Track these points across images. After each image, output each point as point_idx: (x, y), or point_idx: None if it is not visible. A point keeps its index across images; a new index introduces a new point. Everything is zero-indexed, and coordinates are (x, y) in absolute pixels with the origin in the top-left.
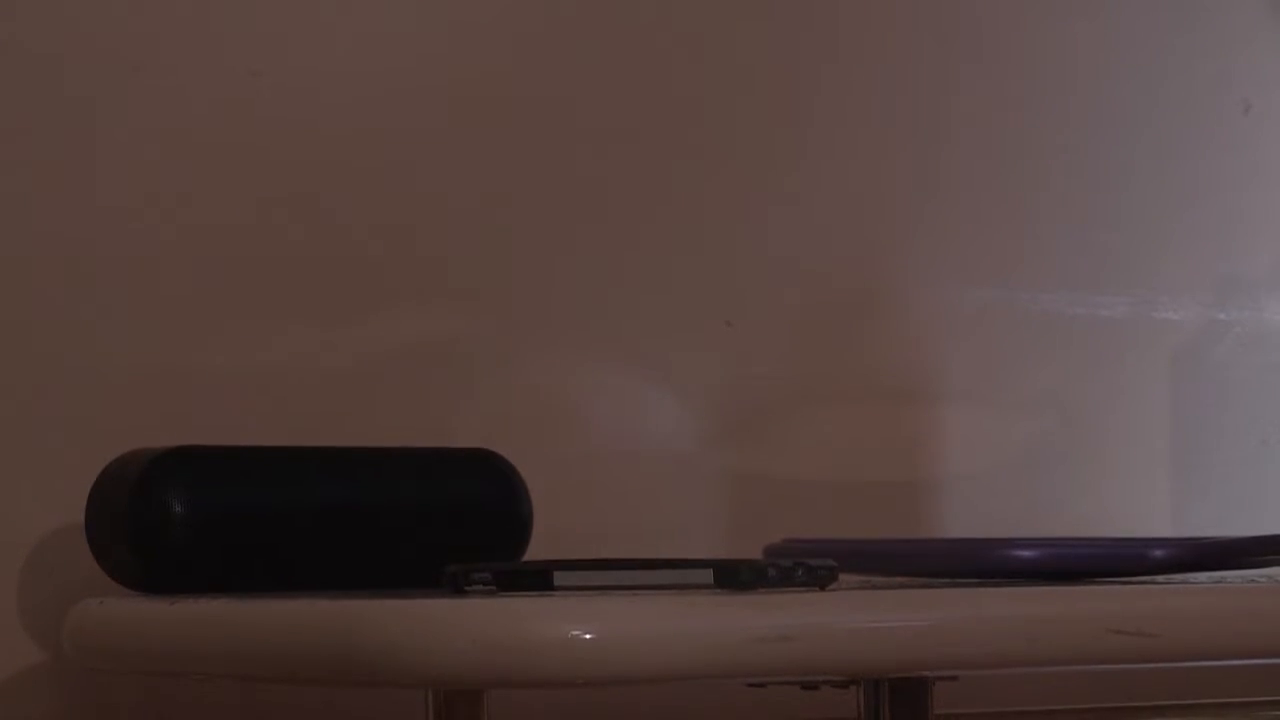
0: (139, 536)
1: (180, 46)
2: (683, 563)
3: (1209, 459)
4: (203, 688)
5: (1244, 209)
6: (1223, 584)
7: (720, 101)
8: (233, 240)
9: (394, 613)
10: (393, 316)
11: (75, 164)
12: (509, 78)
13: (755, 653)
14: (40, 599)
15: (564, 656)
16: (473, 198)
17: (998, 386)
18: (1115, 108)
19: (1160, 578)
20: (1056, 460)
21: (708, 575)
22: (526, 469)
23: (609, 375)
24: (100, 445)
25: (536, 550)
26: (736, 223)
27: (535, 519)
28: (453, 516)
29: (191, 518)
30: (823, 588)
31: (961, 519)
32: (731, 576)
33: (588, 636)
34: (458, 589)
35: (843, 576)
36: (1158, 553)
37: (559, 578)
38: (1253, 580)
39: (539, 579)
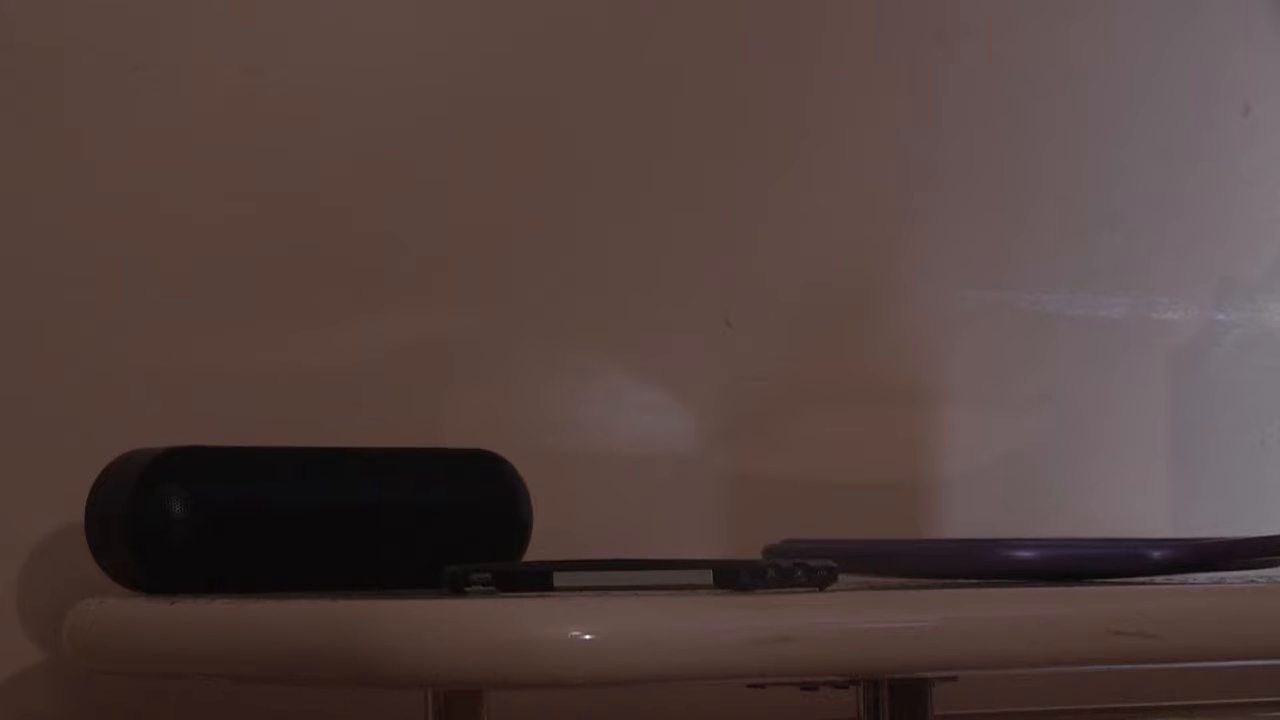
0: (138, 537)
1: (179, 46)
2: (682, 563)
3: (1208, 459)
4: (202, 688)
5: (1243, 210)
6: (1222, 584)
7: (720, 102)
8: (232, 240)
9: (394, 613)
10: (393, 317)
11: (75, 164)
12: (508, 77)
13: (755, 653)
14: (40, 599)
15: (564, 657)
16: (472, 197)
17: (997, 387)
18: (1115, 108)
19: (1160, 578)
20: (1056, 461)
21: (707, 576)
22: (526, 470)
23: (608, 376)
24: (100, 445)
25: (536, 551)
26: (735, 224)
27: (535, 520)
28: (453, 517)
29: (191, 518)
30: (822, 588)
31: (961, 520)
32: (731, 577)
33: (587, 637)
34: (457, 590)
35: (842, 577)
36: (1157, 553)
37: (559, 578)
38: (1252, 581)
39: (539, 580)
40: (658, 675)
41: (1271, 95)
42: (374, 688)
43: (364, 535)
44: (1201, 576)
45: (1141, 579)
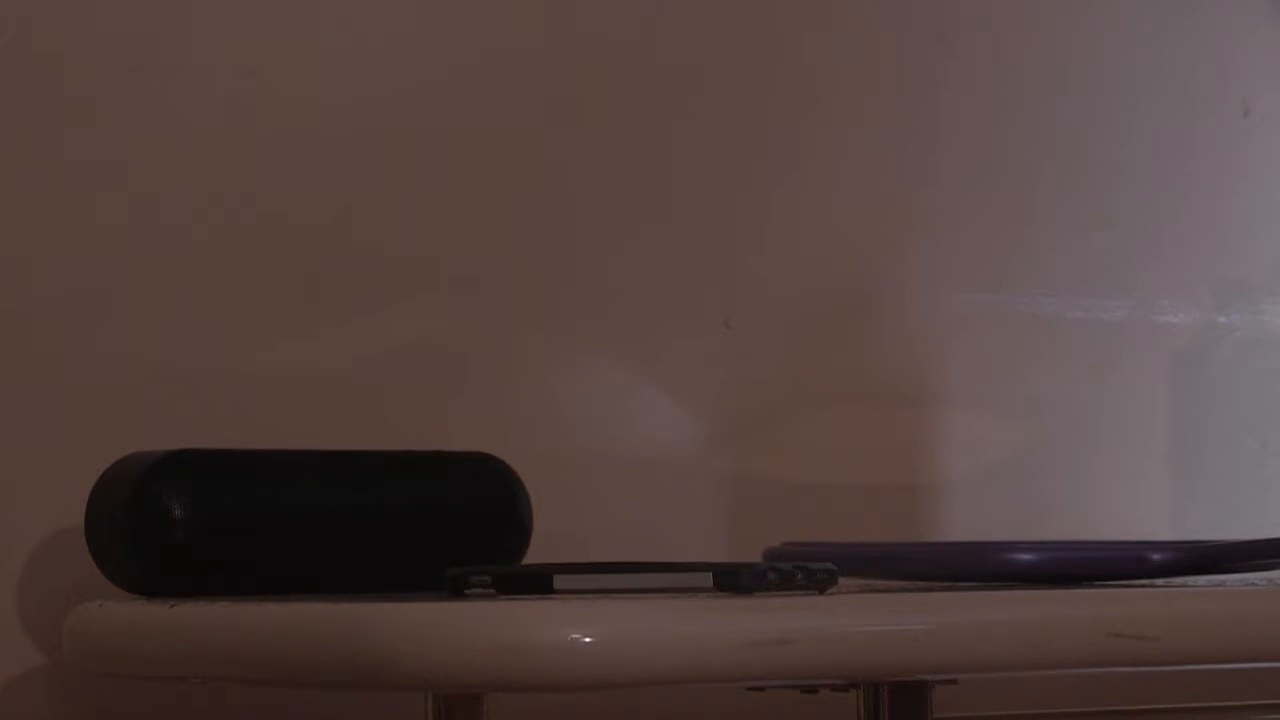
0: (139, 539)
1: (178, 47)
2: (682, 566)
3: (1208, 462)
4: (202, 691)
5: (1243, 212)
6: (1222, 587)
7: (720, 103)
8: (232, 241)
9: (394, 616)
10: (393, 319)
11: (75, 164)
12: (508, 78)
13: (754, 656)
14: (40, 602)
15: (564, 660)
16: (472, 199)
17: (997, 390)
18: (1114, 109)
19: (1159, 581)
20: (1056, 463)
21: (707, 579)
22: (526, 472)
23: (608, 378)
24: (100, 448)
25: (536, 554)
26: (736, 225)
27: (535, 522)
28: (452, 520)
29: (191, 521)
30: (822, 591)
31: (960, 522)
32: (731, 580)
33: (587, 640)
34: (457, 592)
35: (842, 580)
36: (1157, 556)
37: (559, 581)
38: (1252, 584)
39: (539, 582)
40: (658, 678)
41: (1271, 96)
42: (374, 691)
43: (364, 538)
44: (1202, 579)
45: (1141, 582)
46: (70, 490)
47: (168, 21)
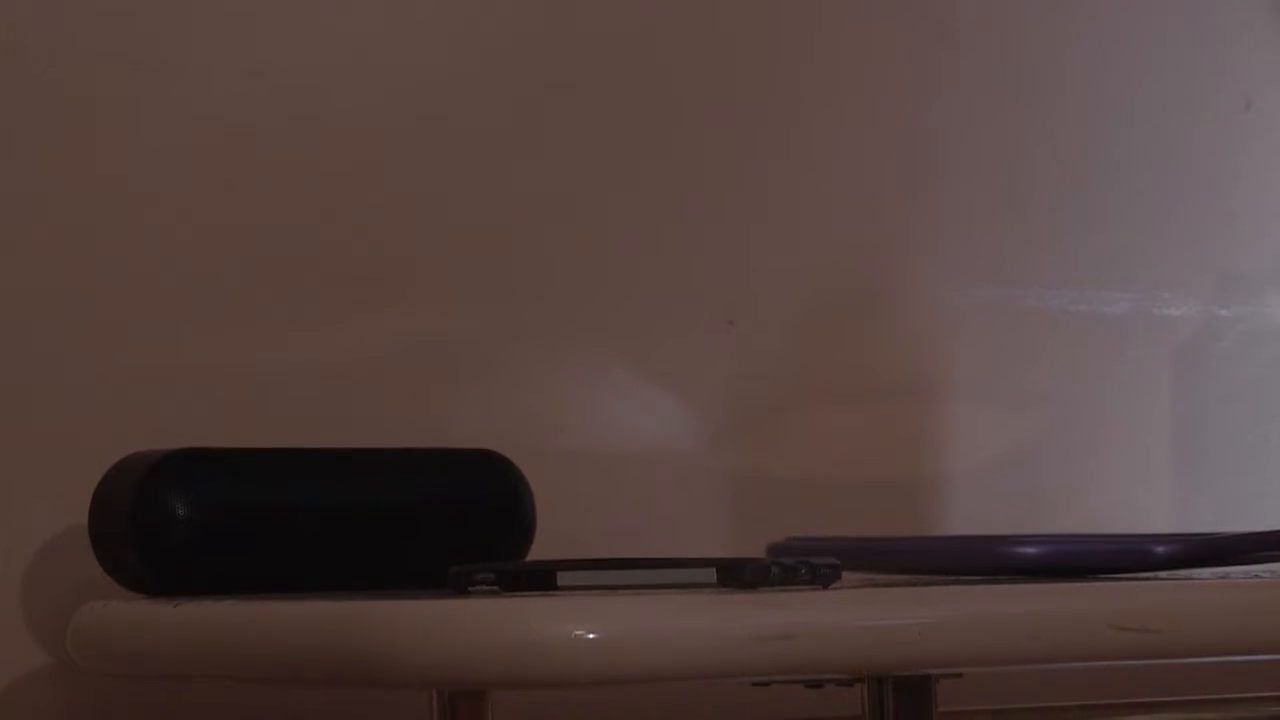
0: (142, 539)
1: (180, 47)
2: (686, 562)
3: (1211, 455)
4: (206, 689)
5: (1245, 205)
6: (1225, 580)
7: (720, 99)
8: (233, 241)
9: (398, 613)
10: (395, 317)
11: (75, 164)
12: (509, 76)
13: (759, 651)
14: (44, 602)
15: (568, 656)
16: (474, 197)
17: (1000, 384)
18: (1116, 104)
19: (1163, 574)
20: (1059, 457)
21: (711, 574)
22: (529, 469)
23: (611, 375)
24: (103, 448)
25: (539, 551)
26: (737, 222)
27: (538, 519)
28: (456, 517)
29: (194, 520)
30: (826, 586)
31: (964, 516)
32: (735, 575)
33: (591, 636)
34: (461, 589)
35: (846, 574)
36: (1160, 549)
37: (562, 578)
38: (1255, 576)
39: (542, 579)
40: (662, 674)
41: (1272, 90)
42: (378, 688)
43: (367, 535)
44: (1205, 572)
45: (1145, 574)
46: (73, 490)
47: (169, 21)
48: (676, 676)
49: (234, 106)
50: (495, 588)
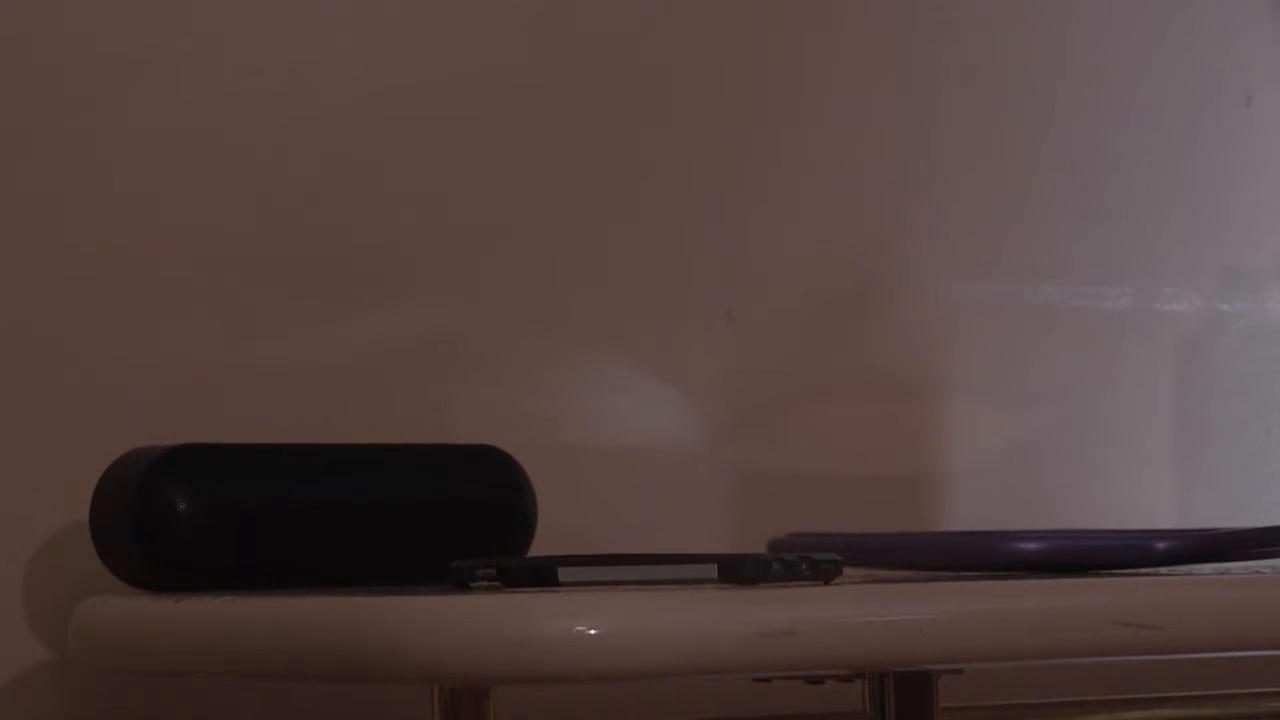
0: (143, 535)
1: (181, 45)
2: (687, 558)
3: (1212, 450)
4: (208, 685)
5: (1246, 200)
6: (1227, 575)
7: (720, 94)
8: (234, 238)
9: (399, 609)
10: (395, 313)
11: (75, 164)
12: (510, 73)
13: (760, 647)
14: (45, 598)
15: (569, 652)
16: (473, 193)
17: (1001, 379)
18: (1117, 99)
19: (1164, 569)
20: (1060, 452)
21: (712, 570)
22: (529, 465)
23: (611, 370)
24: (104, 444)
25: (540, 546)
26: (736, 217)
27: (539, 515)
28: (457, 513)
29: (195, 516)
30: (827, 582)
31: (965, 512)
32: (736, 571)
33: (592, 632)
34: (462, 585)
35: (847, 570)
36: (1161, 545)
37: (563, 573)
38: (1257, 571)
39: (543, 575)
40: (663, 670)
41: (1273, 85)
42: (379, 684)
43: (368, 531)
44: (1206, 567)
45: (1146, 570)
46: (74, 486)
47: (170, 20)
48: (677, 672)
49: (234, 106)
50: (497, 583)
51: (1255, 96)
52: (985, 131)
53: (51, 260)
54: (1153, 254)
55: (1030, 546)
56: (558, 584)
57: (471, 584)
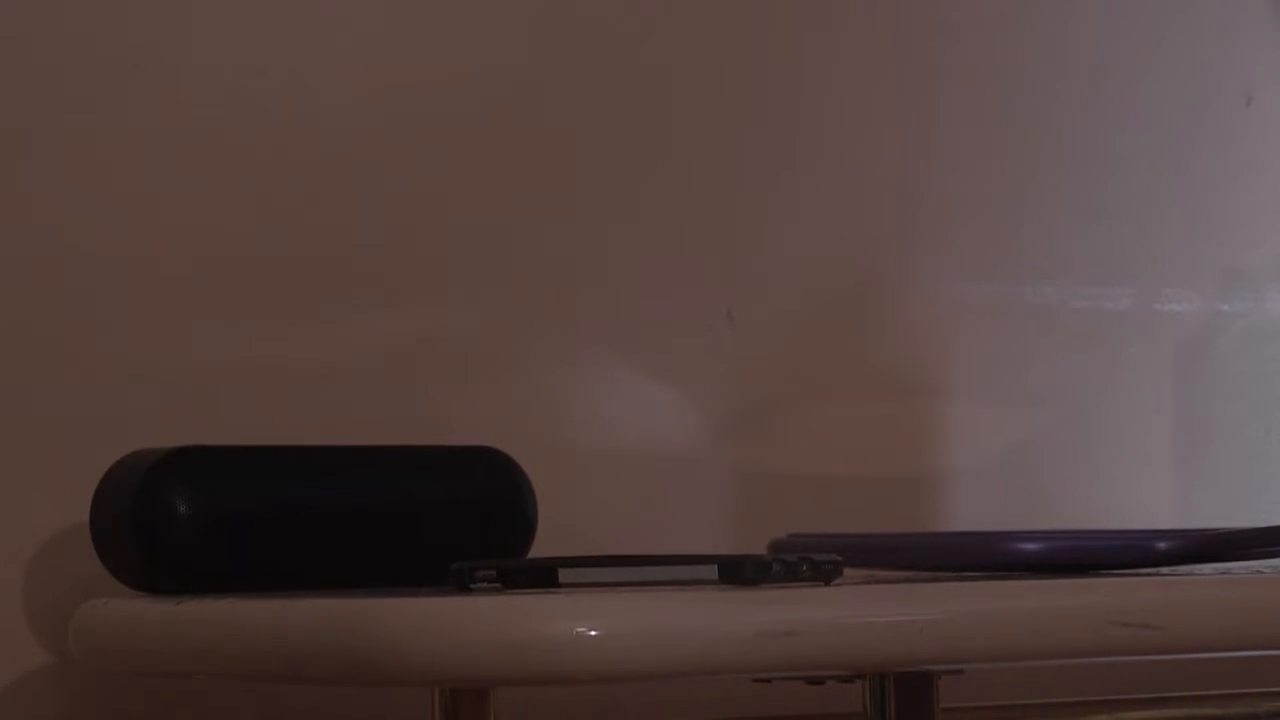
0: (143, 537)
1: (181, 45)
2: (687, 558)
3: (1213, 450)
4: (208, 687)
5: (1246, 200)
6: (1227, 576)
7: (720, 95)
8: (234, 239)
9: (399, 611)
10: (395, 315)
11: (75, 164)
12: (510, 74)
13: (760, 648)
14: (45, 600)
15: (570, 653)
16: (473, 194)
17: (1001, 380)
18: (1117, 99)
19: (1165, 570)
20: (1060, 453)
21: (712, 571)
22: (530, 466)
23: (611, 371)
24: (104, 446)
25: (541, 548)
26: (737, 217)
27: (539, 516)
28: (457, 514)
29: (195, 518)
30: (827, 582)
31: (965, 512)
32: (736, 572)
33: (593, 633)
34: (463, 587)
35: (847, 571)
36: (1162, 545)
37: (564, 574)
38: (1258, 571)
39: (544, 576)
40: (663, 670)
41: (1273, 85)
42: (380, 686)
43: (369, 533)
44: (1207, 567)
45: (1147, 570)
46: (74, 488)
47: (170, 19)
48: (678, 673)
49: (234, 106)
50: (497, 585)
51: (1255, 97)
52: (985, 132)
53: (51, 260)
54: (1153, 254)
55: (1030, 547)
56: (558, 585)
57: (472, 585)
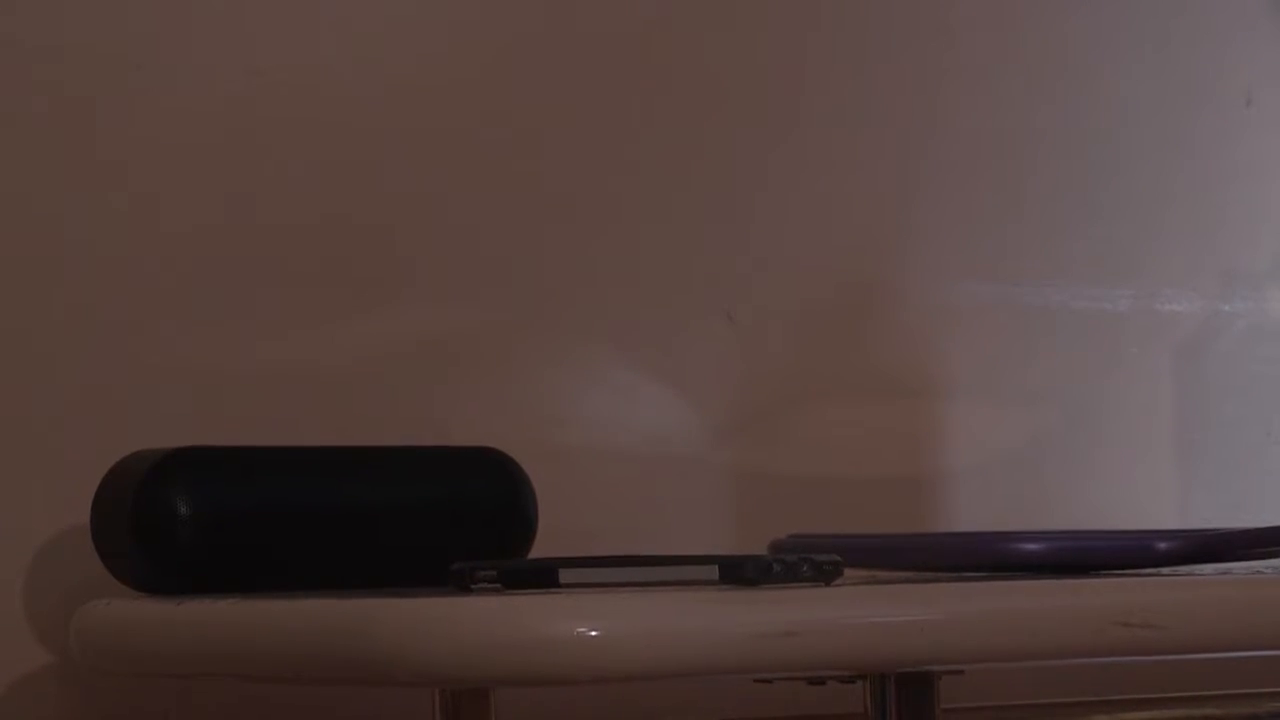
0: (144, 537)
1: (181, 46)
2: (688, 559)
3: (1213, 451)
4: (209, 688)
5: (1246, 201)
6: (1228, 576)
7: (719, 96)
8: (234, 239)
9: (400, 612)
10: (395, 315)
11: (75, 164)
12: (508, 75)
13: (761, 648)
14: (46, 601)
15: (570, 654)
16: (473, 195)
17: (1001, 380)
18: (1117, 100)
19: (1166, 570)
20: (1061, 453)
21: (713, 571)
22: (530, 466)
23: (611, 372)
24: (104, 447)
25: (541, 548)
26: (736, 218)
27: (540, 516)
28: (457, 515)
29: (196, 518)
30: (828, 583)
31: (966, 513)
32: (737, 572)
33: (594, 634)
34: (463, 587)
35: (848, 571)
36: (1162, 545)
37: (564, 575)
38: (1258, 572)
39: (544, 576)
40: (664, 671)
41: (1273, 86)
42: (380, 686)
43: (369, 534)
44: (1208, 568)
45: (1147, 570)
46: (75, 489)
47: (169, 20)
48: (679, 674)
49: (234, 106)
50: (497, 585)
51: (1255, 97)
52: (985, 132)
53: (51, 260)
54: (1153, 254)
55: (1031, 547)
56: (559, 586)
57: (472, 586)
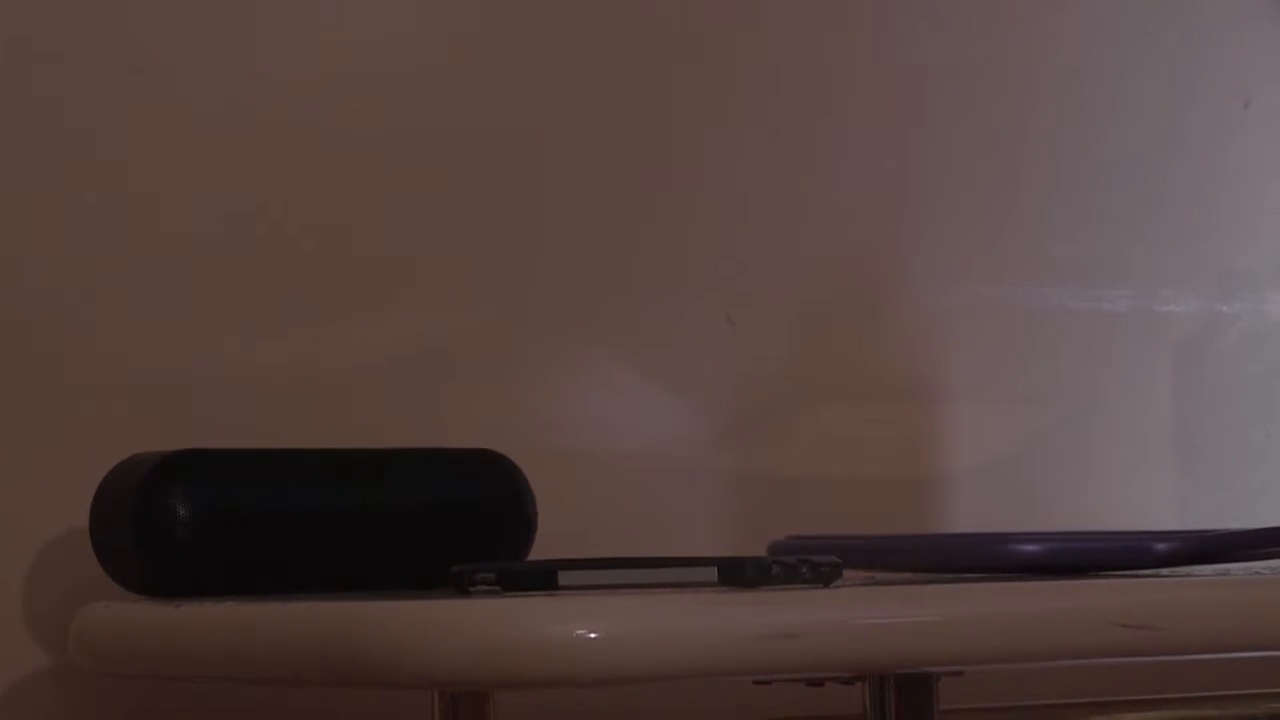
0: (143, 540)
1: (181, 48)
2: (687, 561)
3: (1211, 452)
4: (208, 690)
5: (1245, 202)
6: (1226, 577)
7: (718, 97)
8: (233, 241)
9: (399, 614)
10: (395, 318)
11: (75, 164)
12: (508, 77)
13: (760, 650)
14: (45, 603)
15: (569, 656)
16: (473, 198)
17: (1000, 382)
18: (1116, 101)
19: (1164, 571)
20: (1059, 455)
21: (712, 573)
22: (529, 468)
23: (610, 374)
24: (104, 449)
25: (540, 550)
26: (736, 220)
27: (539, 518)
28: (456, 517)
29: (195, 521)
30: (827, 584)
31: (965, 514)
32: (736, 574)
33: (593, 636)
34: (462, 589)
35: (847, 573)
36: (1161, 546)
37: (563, 577)
38: (1256, 573)
39: (544, 579)
40: (664, 673)
41: (1271, 87)
42: (379, 689)
43: (368, 536)
44: (1206, 569)
45: (1146, 572)
46: (74, 491)
47: (169, 21)
48: (678, 675)
49: (234, 107)
50: (496, 588)
51: (1254, 97)
52: (983, 134)
53: (51, 260)
54: (1151, 256)
55: (1030, 548)
56: (558, 588)
57: (472, 588)
